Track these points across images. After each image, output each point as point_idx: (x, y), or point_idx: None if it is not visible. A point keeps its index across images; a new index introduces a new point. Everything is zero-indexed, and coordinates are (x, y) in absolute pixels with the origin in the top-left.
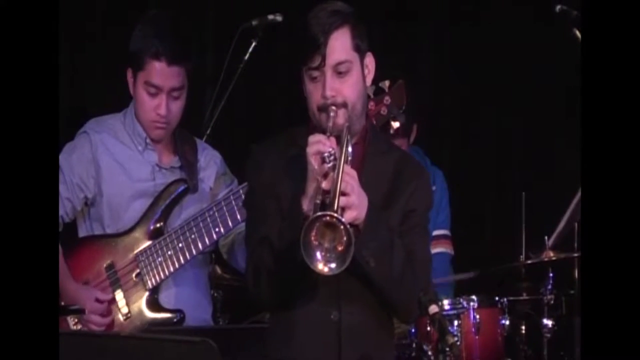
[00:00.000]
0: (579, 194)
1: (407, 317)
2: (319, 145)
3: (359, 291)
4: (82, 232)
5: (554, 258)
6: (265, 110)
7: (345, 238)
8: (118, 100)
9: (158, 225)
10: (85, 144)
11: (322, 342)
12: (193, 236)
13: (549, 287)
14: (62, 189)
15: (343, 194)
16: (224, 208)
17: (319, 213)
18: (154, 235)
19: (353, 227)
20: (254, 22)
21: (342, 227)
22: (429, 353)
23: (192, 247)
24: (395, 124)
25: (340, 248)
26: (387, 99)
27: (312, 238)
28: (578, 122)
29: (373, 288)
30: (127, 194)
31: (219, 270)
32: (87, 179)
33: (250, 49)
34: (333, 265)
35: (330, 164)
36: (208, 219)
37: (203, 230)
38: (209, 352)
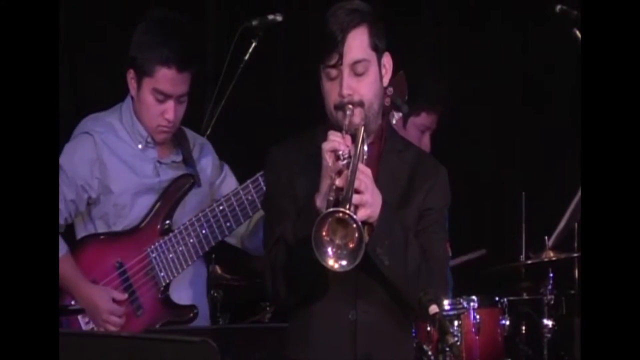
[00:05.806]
0: (579, 194)
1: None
2: (334, 142)
3: (376, 290)
4: (82, 232)
5: (554, 258)
6: (265, 110)
7: (356, 235)
8: (118, 100)
9: (167, 221)
10: (89, 144)
11: (339, 341)
12: (204, 231)
13: (549, 287)
14: (65, 191)
15: (357, 191)
16: (234, 202)
17: (331, 209)
18: (164, 231)
19: (367, 225)
20: (254, 22)
21: (353, 224)
22: (429, 353)
23: (204, 242)
24: (398, 115)
25: (351, 245)
26: (389, 90)
27: (324, 234)
28: (578, 122)
29: (388, 286)
30: (133, 191)
31: (219, 270)
32: (91, 180)
33: (250, 49)
34: (344, 262)
35: (345, 162)
36: (218, 214)
37: (214, 225)
38: (209, 352)
